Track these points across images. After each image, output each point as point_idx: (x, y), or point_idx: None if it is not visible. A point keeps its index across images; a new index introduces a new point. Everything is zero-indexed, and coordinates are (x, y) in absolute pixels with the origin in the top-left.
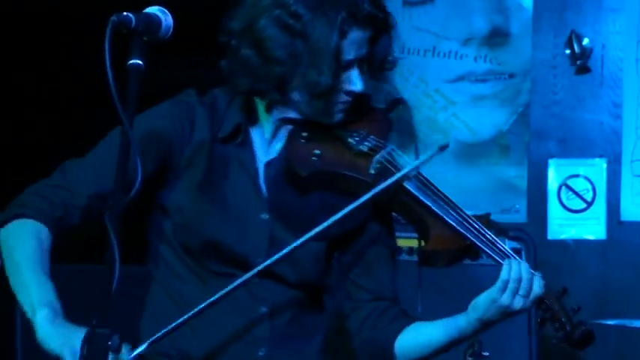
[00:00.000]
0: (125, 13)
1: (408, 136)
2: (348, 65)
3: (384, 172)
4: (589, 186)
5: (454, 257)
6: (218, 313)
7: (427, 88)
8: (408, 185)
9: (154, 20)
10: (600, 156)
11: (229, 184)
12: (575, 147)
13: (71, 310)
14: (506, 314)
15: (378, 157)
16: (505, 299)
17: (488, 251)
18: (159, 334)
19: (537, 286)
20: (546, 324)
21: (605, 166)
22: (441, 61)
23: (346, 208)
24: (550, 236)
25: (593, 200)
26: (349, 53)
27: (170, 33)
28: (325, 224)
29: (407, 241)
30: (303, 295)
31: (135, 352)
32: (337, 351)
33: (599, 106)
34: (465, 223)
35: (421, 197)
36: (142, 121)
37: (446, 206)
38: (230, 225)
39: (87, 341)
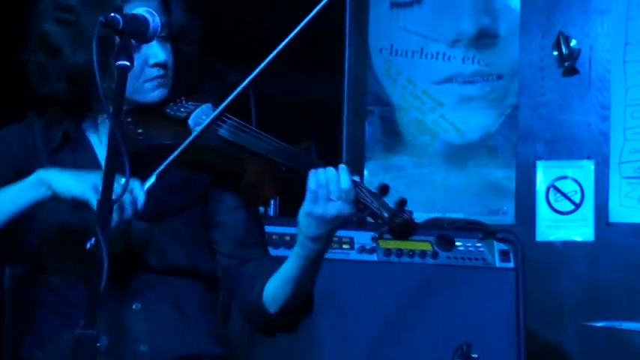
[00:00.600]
0: (113, 14)
1: (396, 138)
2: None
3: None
4: (577, 188)
5: (276, 187)
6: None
7: (415, 90)
8: (222, 132)
9: (142, 21)
10: (588, 157)
11: None
12: (563, 148)
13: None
14: (331, 222)
15: (192, 117)
16: (319, 209)
17: (298, 169)
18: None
19: (346, 185)
20: (366, 223)
21: (593, 167)
22: (429, 63)
23: (167, 159)
24: (538, 238)
25: (581, 202)
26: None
27: (158, 34)
28: (152, 177)
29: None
30: (177, 282)
31: (146, 185)
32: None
33: (587, 108)
34: (281, 152)
35: (232, 138)
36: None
37: (262, 142)
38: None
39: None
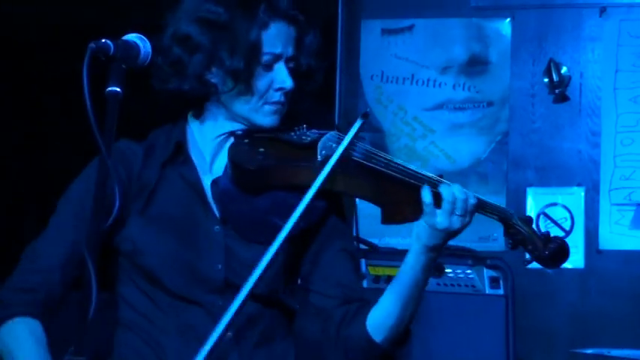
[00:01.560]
0: (103, 40)
1: None
2: (275, 59)
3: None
4: (567, 214)
5: (414, 207)
6: (182, 344)
7: (406, 116)
8: (356, 155)
9: (133, 47)
10: (578, 184)
11: (176, 203)
12: (553, 175)
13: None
14: (453, 234)
15: (321, 143)
16: (443, 221)
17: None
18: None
19: (472, 202)
20: (518, 247)
21: (583, 194)
22: (420, 89)
23: (306, 196)
24: (528, 265)
25: (571, 229)
26: (275, 46)
27: (149, 60)
28: (292, 220)
29: (388, 270)
30: (268, 314)
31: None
32: None
33: (578, 135)
34: (414, 174)
35: (368, 163)
36: (80, 188)
37: (392, 165)
38: (183, 240)
39: None
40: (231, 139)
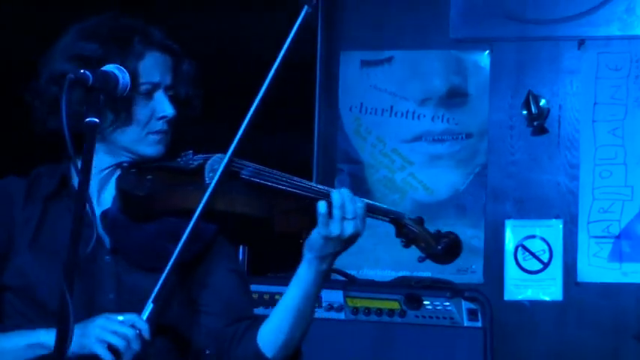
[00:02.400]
0: (82, 71)
1: (365, 196)
2: (154, 89)
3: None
4: (545, 247)
5: (308, 221)
6: None
7: (385, 148)
8: (244, 173)
9: (112, 78)
10: (557, 217)
11: (65, 236)
12: (531, 207)
13: None
14: (347, 241)
15: (207, 166)
16: (335, 229)
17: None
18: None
19: (360, 203)
20: (411, 246)
21: (561, 227)
22: (399, 121)
23: (192, 219)
24: (507, 297)
25: (549, 261)
26: (152, 75)
27: (127, 91)
28: (180, 245)
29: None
30: (164, 341)
31: (145, 314)
32: None
33: (556, 167)
34: (304, 187)
35: (256, 179)
36: None
37: (283, 180)
38: (79, 274)
39: None
40: (118, 171)
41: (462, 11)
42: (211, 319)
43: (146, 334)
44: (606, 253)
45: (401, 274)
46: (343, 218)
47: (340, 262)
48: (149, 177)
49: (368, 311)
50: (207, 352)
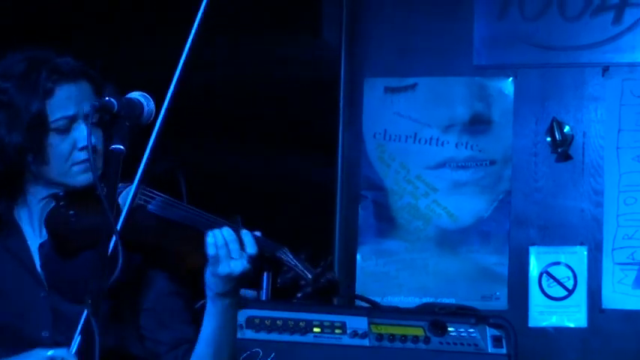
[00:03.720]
0: (107, 98)
1: (389, 223)
2: (71, 121)
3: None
4: (570, 274)
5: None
6: None
7: (408, 175)
8: (150, 207)
9: (137, 105)
10: (581, 243)
11: (3, 276)
12: (556, 234)
13: None
14: (236, 279)
15: (121, 197)
16: (223, 268)
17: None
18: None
19: (249, 245)
20: (289, 283)
21: (586, 253)
22: (423, 148)
23: (100, 247)
24: (531, 324)
25: (574, 288)
26: (67, 108)
27: (152, 118)
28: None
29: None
30: None
31: (73, 349)
32: None
33: (581, 194)
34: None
35: (161, 213)
36: None
37: (189, 214)
38: (11, 309)
39: None
40: (52, 202)
41: (485, 38)
42: (153, 344)
43: None
44: (631, 280)
45: (425, 300)
46: (230, 257)
47: (364, 289)
48: (71, 212)
49: (392, 338)
50: None
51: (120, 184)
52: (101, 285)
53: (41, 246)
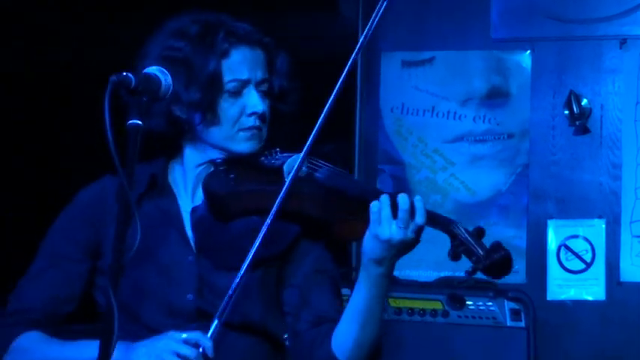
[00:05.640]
0: (125, 73)
1: None
2: (242, 85)
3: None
4: (588, 247)
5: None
6: None
7: (426, 149)
8: (318, 176)
9: (154, 80)
10: (599, 217)
11: (153, 235)
12: (574, 208)
13: None
14: (396, 247)
15: (286, 166)
16: (384, 231)
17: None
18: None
19: (419, 214)
20: (461, 257)
21: (604, 226)
22: (440, 121)
23: (267, 218)
24: (549, 297)
25: (592, 261)
26: (240, 72)
27: (170, 93)
28: (256, 243)
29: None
30: (245, 340)
31: (210, 332)
32: None
33: (598, 167)
34: (374, 191)
35: (329, 183)
36: (58, 230)
37: (357, 185)
38: (157, 271)
39: None
40: (211, 167)
41: (503, 11)
42: (293, 320)
43: (210, 352)
44: None
45: (443, 274)
46: (392, 221)
47: None
48: (232, 176)
49: (411, 311)
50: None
51: (285, 153)
52: (119, 261)
53: (193, 210)
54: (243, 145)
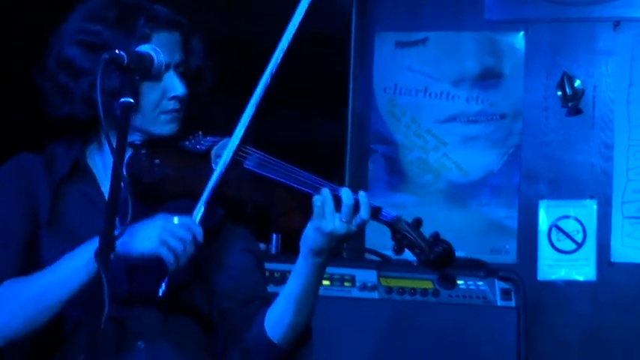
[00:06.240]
0: (117, 52)
1: (399, 177)
2: (163, 69)
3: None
4: (579, 227)
5: (305, 216)
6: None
7: (419, 129)
8: (247, 163)
9: (146, 58)
10: (591, 197)
11: (78, 219)
12: (565, 188)
13: None
14: (337, 239)
15: (214, 151)
16: (327, 225)
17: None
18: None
19: (364, 210)
20: (404, 250)
21: (595, 207)
22: (433, 102)
23: (198, 204)
24: (540, 277)
25: (583, 241)
26: (161, 52)
27: (162, 71)
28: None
29: (400, 281)
30: (181, 321)
31: (198, 217)
32: None
33: (591, 148)
34: (305, 181)
35: (258, 170)
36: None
37: (288, 173)
38: None
39: None
40: (130, 150)
41: None
42: (223, 299)
43: (200, 237)
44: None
45: None
46: (335, 214)
47: (373, 242)
48: (157, 161)
49: (402, 291)
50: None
51: (209, 137)
52: (109, 238)
53: None
54: (164, 127)
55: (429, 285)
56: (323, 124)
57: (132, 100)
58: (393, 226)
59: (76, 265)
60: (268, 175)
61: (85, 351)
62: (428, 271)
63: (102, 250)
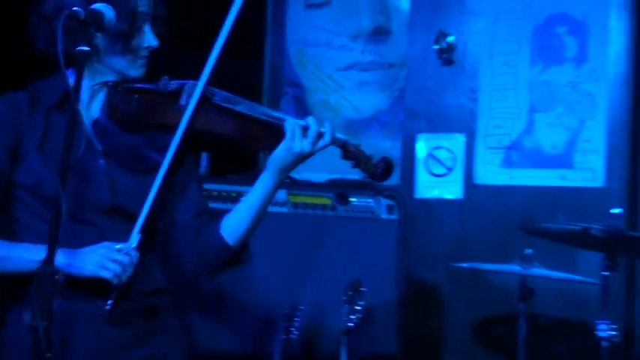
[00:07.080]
0: (75, 8)
1: (305, 114)
2: (143, 20)
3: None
4: (450, 155)
5: (270, 142)
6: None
7: (321, 75)
8: (216, 99)
9: (100, 14)
10: (460, 131)
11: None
12: (440, 124)
13: None
14: (300, 159)
15: (184, 91)
16: (297, 146)
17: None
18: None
19: (327, 134)
20: (356, 168)
21: (463, 139)
22: (334, 53)
23: (177, 134)
24: (417, 195)
25: (453, 167)
26: (143, 5)
27: (112, 24)
28: (169, 155)
29: (305, 198)
30: (152, 257)
31: (133, 244)
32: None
33: (460, 92)
34: (269, 114)
35: (227, 105)
36: None
37: (253, 107)
38: (75, 172)
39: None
40: (105, 88)
41: None
42: (177, 213)
43: (136, 260)
44: (498, 161)
45: (334, 176)
46: (303, 138)
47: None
48: (136, 96)
49: (306, 206)
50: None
51: (174, 81)
52: (67, 160)
53: (95, 122)
54: (138, 71)
55: (328, 202)
56: (244, 70)
57: (88, 48)
58: (346, 146)
59: (31, 258)
60: (235, 108)
61: (46, 254)
62: (328, 190)
63: (61, 177)
